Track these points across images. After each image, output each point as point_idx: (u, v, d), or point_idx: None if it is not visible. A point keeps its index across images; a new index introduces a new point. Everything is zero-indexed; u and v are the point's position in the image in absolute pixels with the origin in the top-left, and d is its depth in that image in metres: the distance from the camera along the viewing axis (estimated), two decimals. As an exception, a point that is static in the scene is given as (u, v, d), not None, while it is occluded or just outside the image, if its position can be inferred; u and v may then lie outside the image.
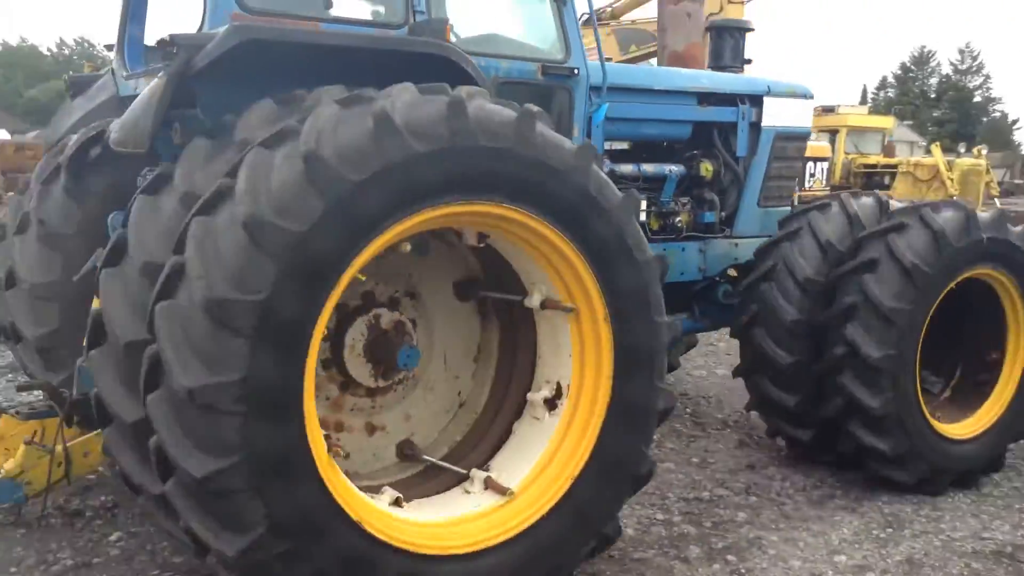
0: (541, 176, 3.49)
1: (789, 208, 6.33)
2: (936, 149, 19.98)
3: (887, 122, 22.79)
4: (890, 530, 4.78)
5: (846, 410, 5.08)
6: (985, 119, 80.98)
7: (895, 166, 20.83)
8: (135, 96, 3.74)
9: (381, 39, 4.09)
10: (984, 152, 21.53)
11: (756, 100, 6.18)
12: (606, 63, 5.21)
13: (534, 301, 3.90)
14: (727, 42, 6.50)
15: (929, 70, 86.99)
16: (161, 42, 3.55)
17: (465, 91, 3.48)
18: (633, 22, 13.80)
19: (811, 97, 6.63)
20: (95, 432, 4.16)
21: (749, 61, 6.64)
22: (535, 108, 3.64)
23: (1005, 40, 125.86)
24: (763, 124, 6.13)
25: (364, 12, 4.88)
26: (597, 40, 5.22)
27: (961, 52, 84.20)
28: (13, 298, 5.04)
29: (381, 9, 4.87)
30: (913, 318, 4.99)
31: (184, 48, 3.44)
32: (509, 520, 3.69)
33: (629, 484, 3.97)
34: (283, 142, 3.12)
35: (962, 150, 21.25)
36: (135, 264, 3.26)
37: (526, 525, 3.69)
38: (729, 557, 4.46)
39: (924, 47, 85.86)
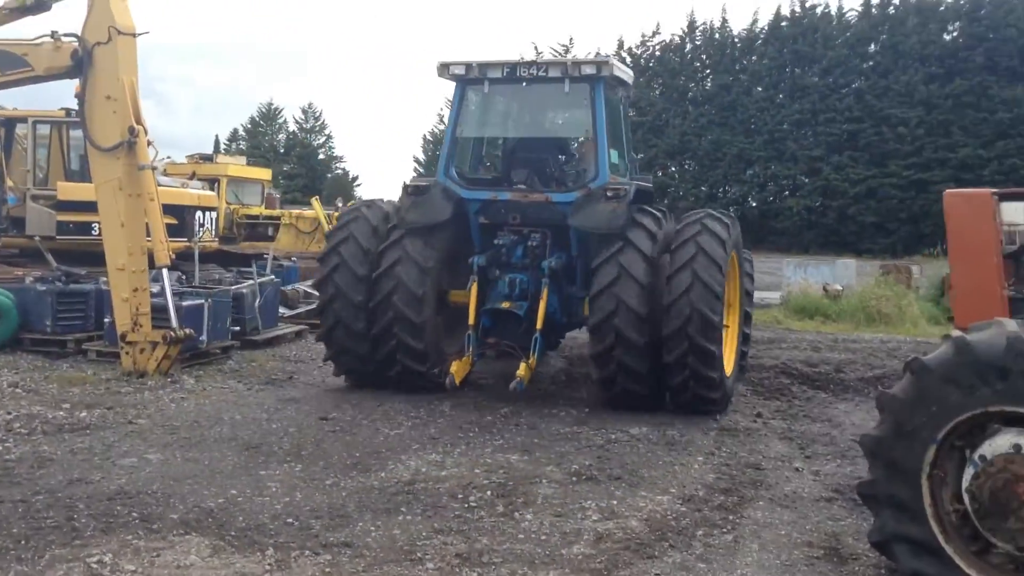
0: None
1: None
2: (316, 203, 20.69)
3: (266, 173, 23.03)
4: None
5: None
6: (330, 175, 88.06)
7: (278, 217, 21.05)
8: (483, 198, 9.80)
9: (647, 185, 10.54)
10: (358, 207, 23.03)
11: None
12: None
13: None
14: None
15: (277, 126, 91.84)
16: (607, 187, 9.20)
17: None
18: (-1, 43, 11.61)
19: None
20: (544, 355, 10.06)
21: None
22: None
23: (343, 103, 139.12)
24: None
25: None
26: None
27: (304, 111, 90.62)
28: (399, 300, 9.33)
29: (620, 167, 10.35)
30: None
31: (626, 191, 9.28)
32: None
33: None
34: (705, 228, 8.95)
35: (340, 204, 22.38)
36: (635, 275, 8.68)
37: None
38: None
39: (271, 103, 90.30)
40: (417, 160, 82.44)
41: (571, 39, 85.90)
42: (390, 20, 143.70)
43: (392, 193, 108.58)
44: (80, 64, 10.52)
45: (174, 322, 10.23)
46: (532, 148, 10.44)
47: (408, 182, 9.98)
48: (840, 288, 18.86)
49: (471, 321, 9.45)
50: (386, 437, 7.89)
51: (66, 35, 10.70)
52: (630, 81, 10.58)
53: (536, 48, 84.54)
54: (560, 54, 73.53)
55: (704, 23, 71.49)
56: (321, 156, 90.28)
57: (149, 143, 10.65)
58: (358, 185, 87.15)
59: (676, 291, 8.66)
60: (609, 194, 9.12)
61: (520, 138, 10.73)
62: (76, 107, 11.75)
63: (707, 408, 8.95)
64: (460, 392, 9.74)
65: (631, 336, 8.62)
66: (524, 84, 9.87)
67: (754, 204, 62.80)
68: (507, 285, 9.68)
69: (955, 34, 62.53)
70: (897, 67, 63.03)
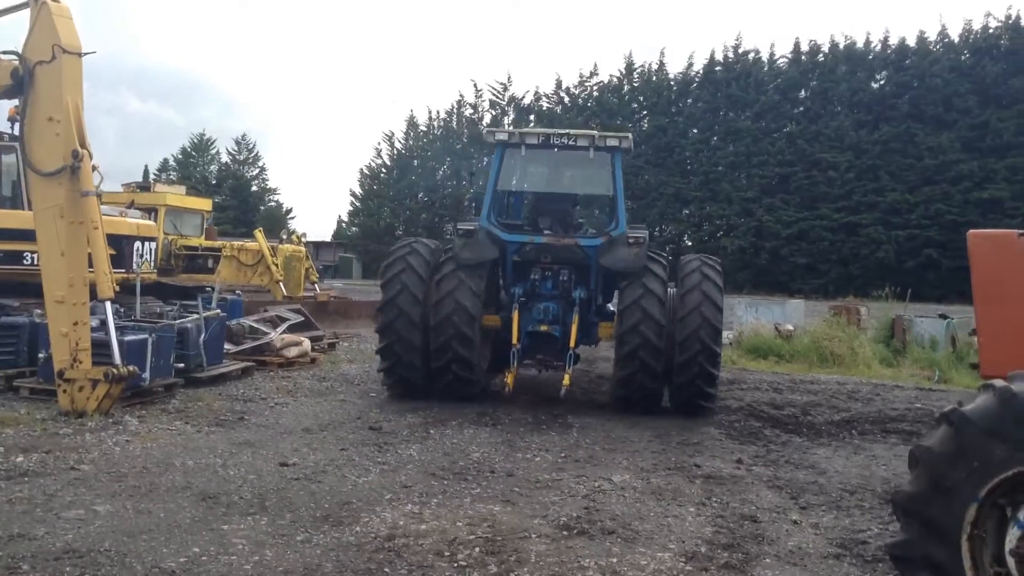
0: None
1: None
2: (259, 234, 20.01)
3: (206, 204, 22.25)
4: None
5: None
6: (263, 207, 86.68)
7: (218, 249, 20.29)
8: (522, 241, 11.74)
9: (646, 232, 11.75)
10: (304, 239, 22.35)
11: None
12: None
13: None
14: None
15: (209, 157, 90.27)
16: (628, 235, 11.28)
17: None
18: None
19: None
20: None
21: None
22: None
23: (277, 135, 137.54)
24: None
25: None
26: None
27: (238, 143, 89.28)
28: (458, 320, 11.00)
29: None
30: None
31: (644, 239, 11.42)
32: None
33: None
34: (704, 263, 11.35)
35: (284, 236, 21.73)
36: (656, 293, 10.92)
37: None
38: None
39: (204, 133, 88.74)
40: (354, 194, 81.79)
41: (509, 77, 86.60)
42: (328, 53, 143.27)
43: (328, 226, 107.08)
44: (21, 84, 9.86)
45: (117, 359, 9.54)
46: (557, 201, 12.65)
47: (459, 227, 11.76)
48: (792, 328, 18.85)
49: (515, 340, 11.32)
50: (354, 486, 7.35)
51: (5, 52, 10.05)
52: (631, 148, 12.14)
53: (475, 85, 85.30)
54: (499, 93, 74.12)
55: (642, 65, 72.80)
56: (254, 188, 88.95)
57: (94, 168, 9.98)
58: (292, 218, 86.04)
59: (690, 306, 10.83)
60: (631, 241, 11.27)
61: (547, 192, 12.90)
62: (8, 130, 11.09)
63: (705, 401, 11.10)
64: (427, 436, 9.34)
65: (652, 340, 10.69)
66: (555, 150, 11.93)
67: (690, 243, 63.53)
68: (541, 312, 11.70)
69: (882, 82, 64.61)
70: (827, 112, 64.85)
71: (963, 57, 61.61)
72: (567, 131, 12.01)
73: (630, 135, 12.05)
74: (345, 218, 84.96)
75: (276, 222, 77.30)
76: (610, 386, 11.86)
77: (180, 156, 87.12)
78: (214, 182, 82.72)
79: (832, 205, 61.22)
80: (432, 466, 8.12)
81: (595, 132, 12.04)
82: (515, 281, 12.01)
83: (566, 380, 11.04)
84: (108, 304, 9.69)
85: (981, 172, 57.48)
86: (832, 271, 60.34)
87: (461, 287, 11.12)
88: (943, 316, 19.17)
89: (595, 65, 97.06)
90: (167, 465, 7.70)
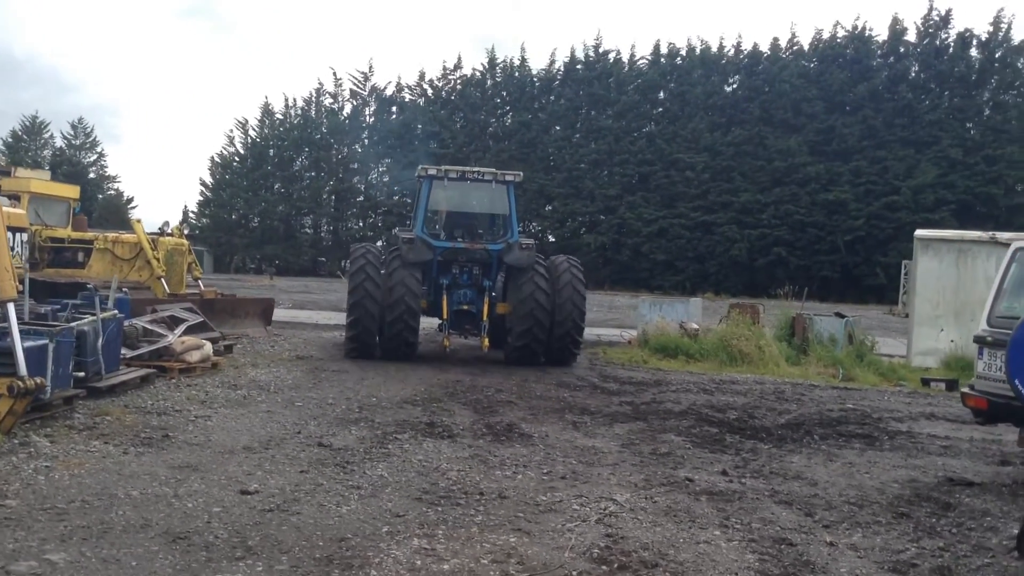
0: None
1: None
2: (138, 225, 18.27)
3: (73, 191, 20.20)
4: None
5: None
6: (101, 196, 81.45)
7: (90, 241, 18.43)
8: (447, 246, 16.30)
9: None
10: (184, 231, 20.66)
11: None
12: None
13: None
14: None
15: (42, 141, 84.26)
16: (521, 242, 16.31)
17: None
18: None
19: None
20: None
21: None
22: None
23: (116, 120, 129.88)
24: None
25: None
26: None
27: (74, 126, 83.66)
28: (408, 300, 15.28)
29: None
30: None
31: (533, 244, 16.52)
32: None
33: None
34: (572, 264, 16.67)
35: (168, 228, 20.01)
36: (544, 288, 15.95)
37: None
38: None
39: (36, 116, 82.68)
40: (204, 184, 77.98)
41: (371, 66, 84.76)
42: (170, 32, 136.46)
43: (173, 216, 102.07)
44: None
45: (22, 369, 8.22)
46: (468, 218, 17.53)
47: (402, 236, 15.86)
48: (697, 327, 18.87)
49: (444, 316, 16.31)
50: (340, 517, 6.47)
51: None
52: (522, 181, 17.49)
53: (335, 73, 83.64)
54: (359, 82, 72.56)
55: (504, 60, 72.65)
56: (92, 175, 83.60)
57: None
58: (133, 207, 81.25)
59: (563, 283, 15.80)
60: (524, 245, 15.96)
61: (461, 212, 17.35)
62: None
63: (576, 349, 16.28)
64: (387, 452, 8.58)
65: (543, 303, 15.55)
66: (468, 182, 16.69)
67: (552, 239, 63.95)
68: (462, 296, 16.45)
69: (735, 86, 66.91)
70: (684, 114, 66.53)
71: (811, 64, 64.68)
72: (477, 169, 16.74)
73: (521, 173, 17.60)
74: (194, 209, 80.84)
75: (116, 212, 72.75)
76: (509, 345, 16.13)
77: (10, 140, 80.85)
78: (47, 168, 77.00)
79: (689, 204, 63.02)
80: (412, 489, 7.32)
81: (496, 170, 16.64)
82: (440, 274, 16.43)
83: (485, 343, 16.06)
84: (11, 306, 8.34)
85: (827, 175, 60.50)
86: (689, 268, 62.14)
87: (409, 279, 15.27)
88: (839, 315, 19.67)
89: (459, 57, 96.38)
90: (110, 497, 6.59)
